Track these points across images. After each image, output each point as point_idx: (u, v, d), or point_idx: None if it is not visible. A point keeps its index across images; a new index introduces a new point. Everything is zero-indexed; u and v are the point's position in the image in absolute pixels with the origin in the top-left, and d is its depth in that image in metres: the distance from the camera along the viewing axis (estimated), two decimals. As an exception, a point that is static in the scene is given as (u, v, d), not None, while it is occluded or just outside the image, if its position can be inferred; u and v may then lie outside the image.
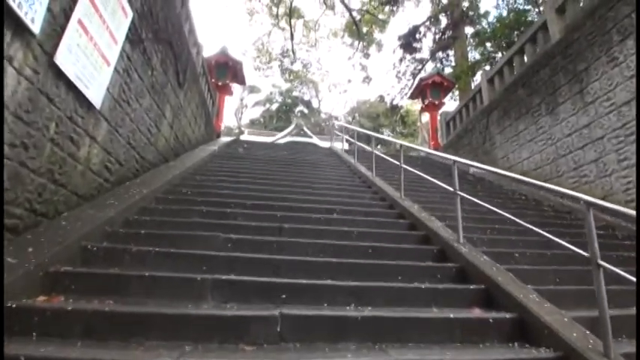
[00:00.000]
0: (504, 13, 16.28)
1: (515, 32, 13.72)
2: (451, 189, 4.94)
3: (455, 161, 4.70)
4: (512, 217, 4.38)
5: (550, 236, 3.93)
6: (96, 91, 4.82)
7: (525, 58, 10.98)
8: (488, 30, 15.61)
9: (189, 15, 9.71)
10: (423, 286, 3.50)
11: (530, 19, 13.80)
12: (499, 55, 15.27)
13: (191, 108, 9.98)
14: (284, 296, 3.17)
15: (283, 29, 24.51)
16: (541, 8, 13.48)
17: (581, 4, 9.38)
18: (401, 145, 6.76)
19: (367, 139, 12.15)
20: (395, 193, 6.70)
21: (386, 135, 39.18)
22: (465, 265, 3.99)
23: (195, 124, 10.71)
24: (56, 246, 3.23)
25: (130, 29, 5.75)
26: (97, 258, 3.45)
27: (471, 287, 3.59)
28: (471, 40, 20.68)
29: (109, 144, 5.42)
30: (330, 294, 3.28)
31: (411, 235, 5.03)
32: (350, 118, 49.87)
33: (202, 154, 9.03)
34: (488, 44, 16.10)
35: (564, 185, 8.67)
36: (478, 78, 20.12)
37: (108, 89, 5.18)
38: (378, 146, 27.81)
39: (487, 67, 15.09)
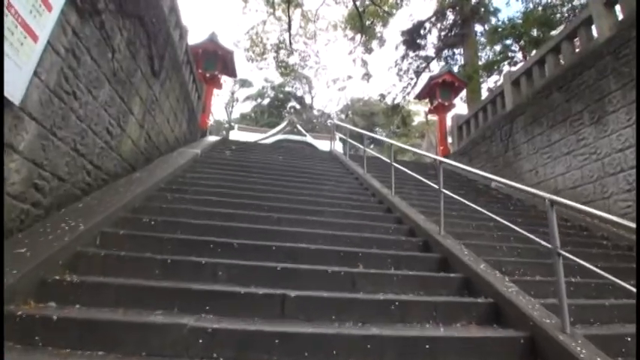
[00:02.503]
0: (516, 10, 14.73)
1: (541, 30, 12.18)
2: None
3: (553, 202, 3.10)
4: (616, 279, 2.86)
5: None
6: (12, 78, 3.18)
7: (562, 58, 9.48)
8: (509, 26, 14.07)
9: (170, -11, 8.01)
10: None
11: (558, 16, 12.29)
12: (519, 55, 13.76)
13: (170, 102, 8.29)
14: None
15: (280, 19, 22.77)
16: (575, 3, 12.01)
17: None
18: (440, 162, 5.14)
19: (361, 140, 10.48)
20: (427, 224, 5.14)
21: (380, 135, 37.84)
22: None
23: (176, 121, 9.03)
24: None
25: (77, -7, 4.17)
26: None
27: None
28: (482, 39, 19.21)
29: (39, 153, 3.77)
30: None
31: (474, 304, 3.40)
32: (343, 116, 48.52)
33: (180, 161, 7.32)
34: (507, 42, 14.57)
35: (613, 209, 7.24)
36: (494, 79, 18.92)
37: (37, 75, 3.57)
38: (371, 146, 26.36)
39: (506, 67, 13.63)
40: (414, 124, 40.50)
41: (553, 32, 12.26)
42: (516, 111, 10.63)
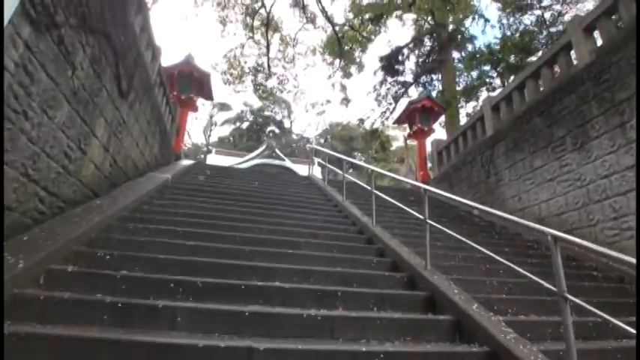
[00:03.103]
0: (493, 37, 14.91)
1: (519, 56, 12.23)
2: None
3: (556, 239, 2.76)
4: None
5: None
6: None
7: (541, 84, 9.43)
8: (487, 52, 14.14)
9: (142, 7, 7.65)
10: None
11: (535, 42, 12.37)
12: (497, 80, 13.80)
13: (140, 124, 7.85)
14: None
15: (258, 42, 22.60)
16: (552, 29, 12.10)
17: (620, 23, 7.92)
18: (425, 190, 4.81)
19: (340, 164, 10.20)
20: (412, 257, 4.80)
21: (358, 160, 37.87)
22: None
23: (146, 144, 8.57)
24: None
25: (30, 4, 3.82)
26: None
27: None
28: (460, 65, 19.38)
29: (-23, 180, 3.33)
30: None
31: (469, 354, 3.01)
32: (322, 140, 48.53)
33: (148, 186, 6.84)
34: (485, 68, 14.63)
35: (599, 237, 7.03)
36: (472, 104, 19.04)
37: (-23, 92, 3.16)
38: (350, 170, 26.12)
39: (484, 93, 13.63)
40: (393, 149, 40.74)
41: (531, 58, 12.34)
42: (497, 136, 10.51)
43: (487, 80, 15.08)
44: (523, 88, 9.98)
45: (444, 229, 4.49)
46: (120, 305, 2.91)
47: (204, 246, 4.46)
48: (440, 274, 4.32)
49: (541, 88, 9.42)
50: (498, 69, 13.81)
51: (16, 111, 3.78)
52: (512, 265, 3.51)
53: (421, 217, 4.70)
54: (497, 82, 14.73)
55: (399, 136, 42.49)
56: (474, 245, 4.15)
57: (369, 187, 6.62)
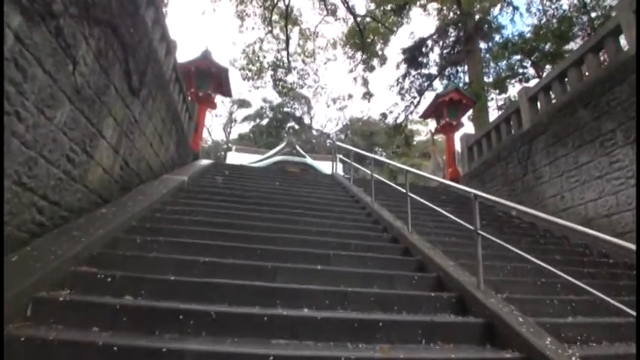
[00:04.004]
0: (527, 24, 14.01)
1: (556, 43, 11.38)
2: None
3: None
4: None
5: None
6: None
7: (586, 72, 8.63)
8: (520, 40, 13.28)
9: (153, -2, 7.13)
10: None
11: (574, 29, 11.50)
12: (531, 70, 12.97)
13: (154, 123, 7.36)
14: None
15: (277, 37, 22.01)
16: (593, 14, 11.22)
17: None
18: (475, 196, 4.16)
19: (365, 162, 9.66)
20: (459, 273, 4.16)
21: (379, 155, 37.09)
22: None
23: (161, 144, 8.08)
24: None
25: (21, -10, 3.34)
26: None
27: None
28: (486, 56, 18.47)
29: (-43, 192, 2.85)
30: None
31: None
32: (342, 136, 47.92)
33: (162, 190, 6.32)
34: (516, 57, 13.77)
35: (658, 242, 6.26)
36: (502, 97, 18.20)
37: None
38: (370, 167, 25.31)
39: (517, 85, 12.82)
40: (414, 144, 39.93)
41: (569, 46, 11.50)
42: (535, 130, 9.73)
43: (520, 70, 14.21)
44: (564, 78, 9.19)
45: (501, 242, 3.84)
46: (116, 349, 2.36)
47: (221, 263, 3.88)
48: (495, 295, 3.68)
49: (586, 77, 8.63)
50: (532, 58, 12.96)
51: (6, 112, 3.29)
52: (590, 289, 2.85)
53: (470, 226, 4.07)
54: (531, 71, 13.91)
55: (420, 131, 41.72)
56: (535, 260, 3.52)
57: (397, 187, 6.01)
